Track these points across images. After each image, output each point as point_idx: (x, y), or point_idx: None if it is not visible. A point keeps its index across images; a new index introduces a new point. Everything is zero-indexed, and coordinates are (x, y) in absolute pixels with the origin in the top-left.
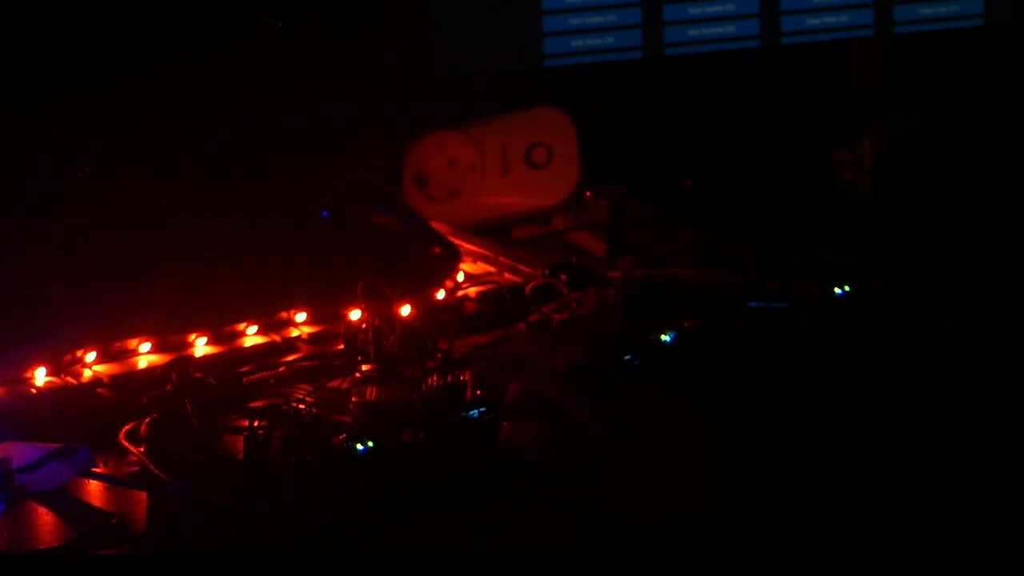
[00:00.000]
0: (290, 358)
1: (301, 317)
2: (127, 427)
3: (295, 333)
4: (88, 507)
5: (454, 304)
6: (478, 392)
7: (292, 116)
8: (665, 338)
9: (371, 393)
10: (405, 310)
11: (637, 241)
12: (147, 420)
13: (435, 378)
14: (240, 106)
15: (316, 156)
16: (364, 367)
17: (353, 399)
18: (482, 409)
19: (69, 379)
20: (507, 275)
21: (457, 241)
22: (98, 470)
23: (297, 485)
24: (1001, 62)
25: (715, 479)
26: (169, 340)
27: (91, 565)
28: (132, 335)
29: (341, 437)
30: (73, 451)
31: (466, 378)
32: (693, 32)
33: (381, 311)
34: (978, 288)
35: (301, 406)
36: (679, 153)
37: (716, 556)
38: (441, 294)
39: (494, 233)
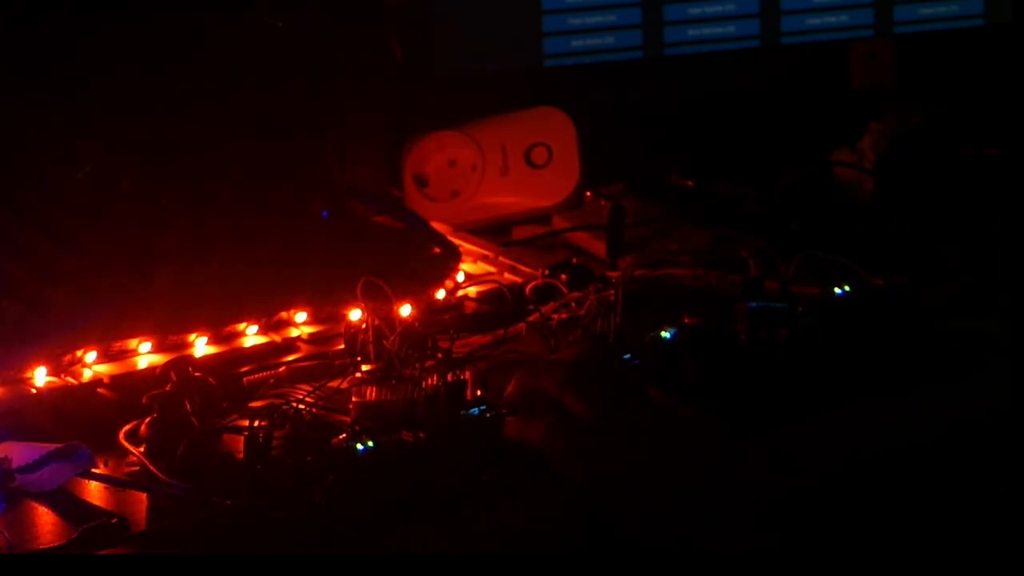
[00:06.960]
0: (290, 358)
1: (301, 317)
2: (127, 427)
3: (295, 333)
4: (88, 507)
5: (454, 304)
6: (478, 392)
7: (292, 116)
8: (665, 335)
9: (371, 393)
10: (405, 310)
11: (637, 241)
12: (147, 420)
13: (435, 378)
14: (240, 105)
15: (316, 156)
16: (364, 367)
17: (353, 399)
18: (482, 408)
19: (69, 379)
20: (507, 275)
21: (457, 241)
22: (98, 470)
23: (297, 485)
24: (1001, 62)
25: (714, 474)
26: (169, 340)
27: (91, 565)
28: (132, 335)
29: (341, 437)
30: (73, 451)
31: (466, 378)
32: (693, 32)
33: (381, 311)
34: (978, 288)
35: (301, 406)
36: (679, 153)
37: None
38: (441, 294)
39: (494, 233)
